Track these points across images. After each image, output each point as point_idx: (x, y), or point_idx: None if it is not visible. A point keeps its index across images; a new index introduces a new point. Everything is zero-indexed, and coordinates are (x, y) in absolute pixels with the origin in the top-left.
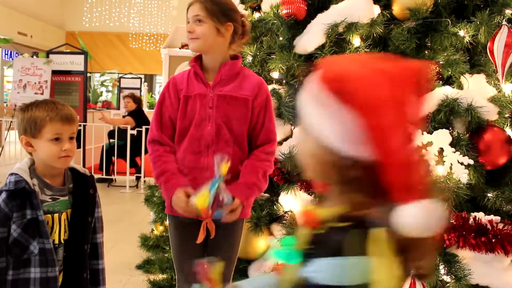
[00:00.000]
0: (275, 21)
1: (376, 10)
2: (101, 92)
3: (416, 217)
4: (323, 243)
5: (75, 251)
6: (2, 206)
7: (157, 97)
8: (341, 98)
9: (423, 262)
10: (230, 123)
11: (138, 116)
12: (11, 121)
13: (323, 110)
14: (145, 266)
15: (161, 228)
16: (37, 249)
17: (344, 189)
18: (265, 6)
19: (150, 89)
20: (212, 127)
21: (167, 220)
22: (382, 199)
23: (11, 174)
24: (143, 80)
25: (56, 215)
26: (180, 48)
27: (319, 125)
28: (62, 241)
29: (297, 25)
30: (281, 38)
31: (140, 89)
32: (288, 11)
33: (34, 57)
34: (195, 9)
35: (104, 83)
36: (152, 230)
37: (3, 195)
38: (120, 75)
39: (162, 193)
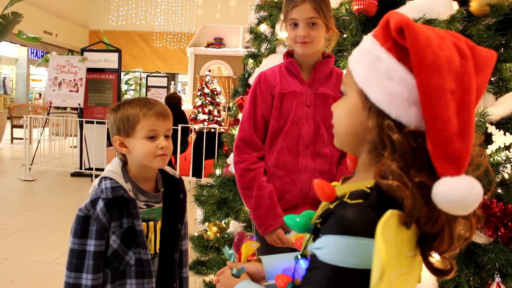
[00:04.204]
0: (346, 17)
1: (455, 6)
2: (126, 90)
3: (454, 191)
4: (330, 218)
5: (166, 261)
6: (100, 216)
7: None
8: (399, 52)
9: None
10: (327, 122)
11: None
12: (47, 119)
13: (376, 67)
14: (196, 267)
15: (214, 229)
16: (133, 259)
17: (377, 160)
18: (335, 3)
19: None
20: (310, 126)
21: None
22: (423, 170)
23: (105, 178)
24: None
25: (151, 223)
26: (205, 47)
27: (367, 82)
28: (158, 251)
29: (368, 22)
30: (345, 36)
31: (167, 87)
32: (359, 7)
33: (69, 54)
34: (307, 10)
35: (128, 82)
36: (206, 231)
37: (101, 203)
38: (146, 73)
39: (253, 217)
